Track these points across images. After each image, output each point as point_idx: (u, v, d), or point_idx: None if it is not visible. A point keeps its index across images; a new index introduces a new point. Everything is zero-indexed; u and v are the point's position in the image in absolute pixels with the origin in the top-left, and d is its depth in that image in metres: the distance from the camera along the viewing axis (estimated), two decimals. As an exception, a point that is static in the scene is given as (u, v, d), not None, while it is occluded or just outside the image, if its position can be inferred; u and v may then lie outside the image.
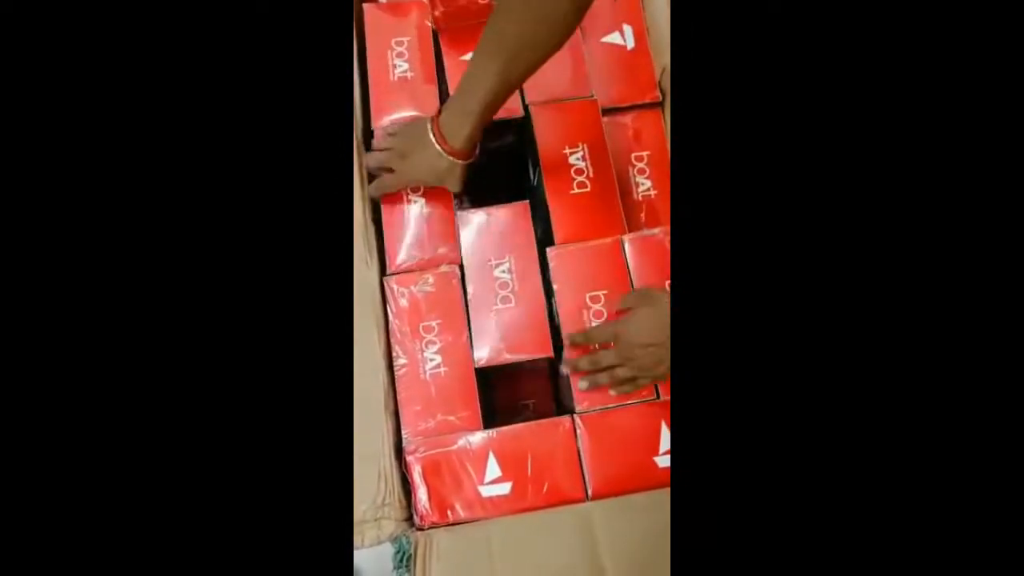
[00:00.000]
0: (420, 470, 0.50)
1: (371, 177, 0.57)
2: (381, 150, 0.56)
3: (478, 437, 0.51)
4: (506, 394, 0.62)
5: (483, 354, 0.53)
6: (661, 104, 0.63)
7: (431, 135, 0.51)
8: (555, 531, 0.49)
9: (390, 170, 0.55)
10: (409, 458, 0.51)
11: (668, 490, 0.51)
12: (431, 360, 0.53)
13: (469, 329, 0.54)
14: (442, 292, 0.55)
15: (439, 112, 0.52)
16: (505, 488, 0.50)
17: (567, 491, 0.50)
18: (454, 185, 0.54)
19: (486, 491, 0.50)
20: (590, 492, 0.50)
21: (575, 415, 0.52)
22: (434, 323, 0.54)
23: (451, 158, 0.51)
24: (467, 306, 0.55)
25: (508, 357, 0.53)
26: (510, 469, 0.51)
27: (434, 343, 0.54)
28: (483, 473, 0.50)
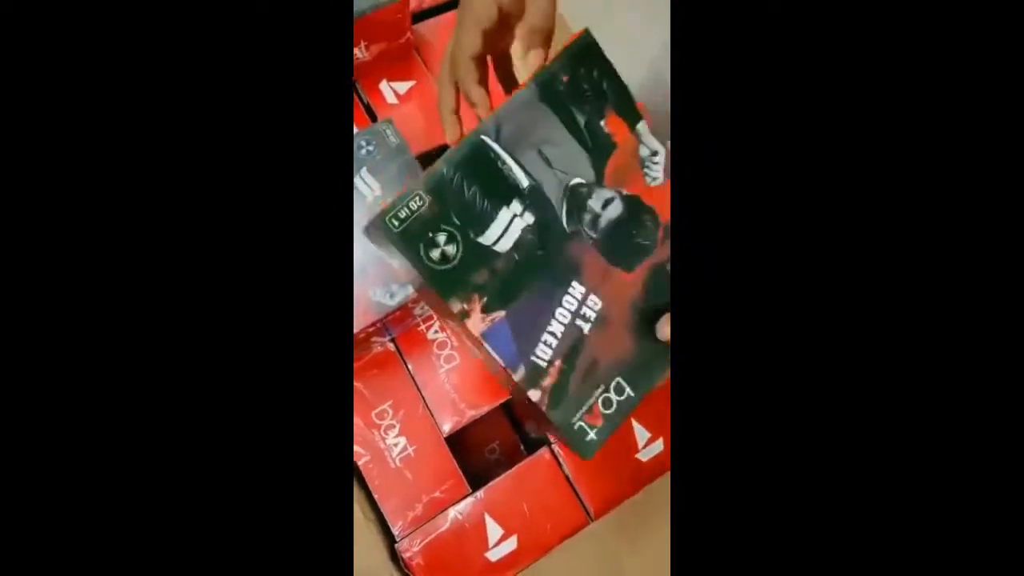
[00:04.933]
0: (422, 563, 0.48)
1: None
2: None
3: (467, 505, 0.50)
4: (471, 448, 0.62)
5: (447, 422, 0.51)
6: None
7: None
8: (575, 563, 0.49)
9: None
10: (407, 556, 0.48)
11: (659, 480, 0.53)
12: (395, 445, 0.51)
13: (423, 398, 0.52)
14: (385, 373, 0.53)
15: None
16: (512, 544, 0.49)
17: (570, 521, 0.51)
18: None
19: (495, 554, 0.49)
20: (592, 512, 0.51)
21: (550, 445, 0.52)
22: (386, 407, 0.52)
23: None
24: (414, 381, 0.52)
25: (472, 414, 0.52)
26: (510, 523, 0.50)
27: (393, 426, 0.51)
28: (485, 538, 0.49)
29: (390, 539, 0.50)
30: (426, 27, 0.63)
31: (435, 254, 0.34)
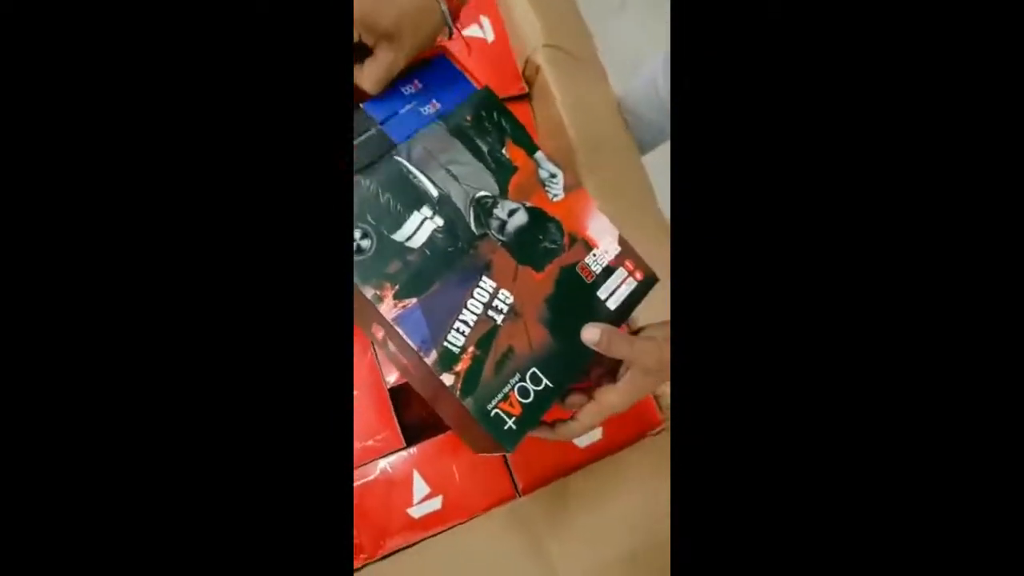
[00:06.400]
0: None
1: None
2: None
3: (398, 459, 0.49)
4: (414, 405, 0.57)
5: (394, 373, 0.50)
6: (529, 96, 0.61)
7: None
8: (494, 535, 0.48)
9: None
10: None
11: (593, 466, 0.52)
12: None
13: (373, 349, 0.51)
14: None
15: None
16: (436, 504, 0.48)
17: (498, 491, 0.49)
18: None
19: (417, 511, 0.48)
20: (520, 487, 0.50)
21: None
22: None
23: None
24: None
25: None
26: (438, 483, 0.49)
27: None
28: (410, 494, 0.48)
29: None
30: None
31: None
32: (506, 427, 0.37)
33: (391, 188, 0.40)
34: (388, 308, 0.37)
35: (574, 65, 0.62)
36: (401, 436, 0.50)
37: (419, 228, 0.40)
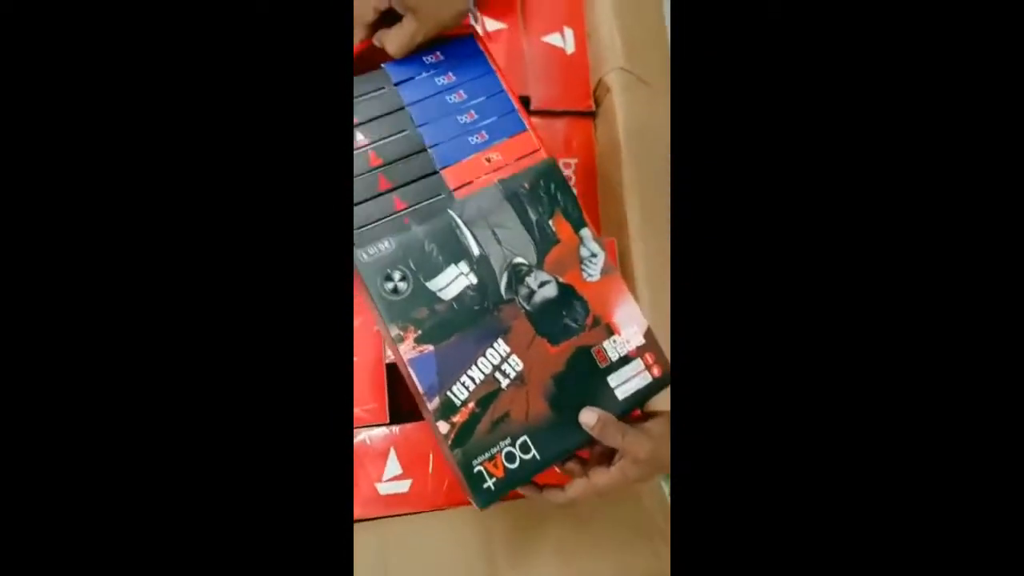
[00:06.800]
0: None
1: (376, 23, 0.46)
2: None
3: (379, 433, 0.50)
4: (407, 387, 0.58)
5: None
6: (594, 114, 0.62)
7: None
8: (450, 534, 0.49)
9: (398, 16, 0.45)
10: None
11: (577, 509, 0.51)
12: None
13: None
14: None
15: None
16: (404, 486, 0.50)
17: (464, 492, 0.49)
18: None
19: (384, 488, 0.50)
20: None
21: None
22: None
23: None
24: None
25: None
26: (410, 467, 0.50)
27: None
28: (382, 470, 0.50)
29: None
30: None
31: (388, 286, 0.42)
32: (485, 485, 0.40)
33: (437, 239, 0.43)
34: (407, 349, 0.41)
35: (645, 93, 0.62)
36: (387, 412, 0.51)
37: (453, 281, 0.43)
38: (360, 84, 0.46)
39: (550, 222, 0.46)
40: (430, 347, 0.41)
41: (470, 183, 0.45)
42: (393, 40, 0.45)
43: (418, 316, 0.41)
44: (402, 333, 0.41)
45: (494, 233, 0.44)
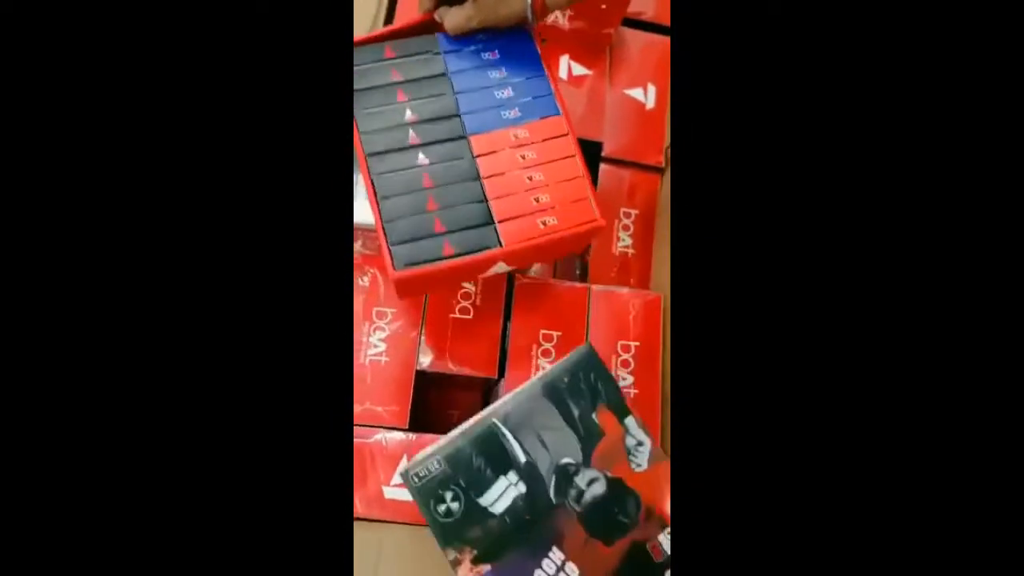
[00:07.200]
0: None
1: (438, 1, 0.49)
2: None
3: (396, 437, 0.51)
4: (435, 398, 0.61)
5: (428, 359, 0.53)
6: (662, 170, 0.63)
7: None
8: (432, 552, 0.45)
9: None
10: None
11: None
12: (375, 346, 0.53)
13: (421, 330, 0.54)
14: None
15: None
16: (405, 494, 0.49)
17: None
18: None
19: (389, 493, 0.50)
20: None
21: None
22: (388, 311, 0.54)
23: None
24: (425, 306, 0.55)
25: (452, 368, 0.53)
26: None
27: (382, 330, 0.53)
28: (391, 475, 0.50)
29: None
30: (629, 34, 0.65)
31: (442, 508, 0.43)
32: None
33: (484, 452, 0.44)
34: (465, 572, 0.42)
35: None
36: (408, 418, 0.51)
37: (503, 494, 0.44)
38: (412, 44, 0.48)
39: (593, 415, 0.46)
40: (487, 567, 0.43)
41: (494, 152, 0.46)
42: (451, 19, 0.48)
43: (472, 536, 0.43)
44: (459, 556, 0.43)
45: (539, 436, 0.45)
